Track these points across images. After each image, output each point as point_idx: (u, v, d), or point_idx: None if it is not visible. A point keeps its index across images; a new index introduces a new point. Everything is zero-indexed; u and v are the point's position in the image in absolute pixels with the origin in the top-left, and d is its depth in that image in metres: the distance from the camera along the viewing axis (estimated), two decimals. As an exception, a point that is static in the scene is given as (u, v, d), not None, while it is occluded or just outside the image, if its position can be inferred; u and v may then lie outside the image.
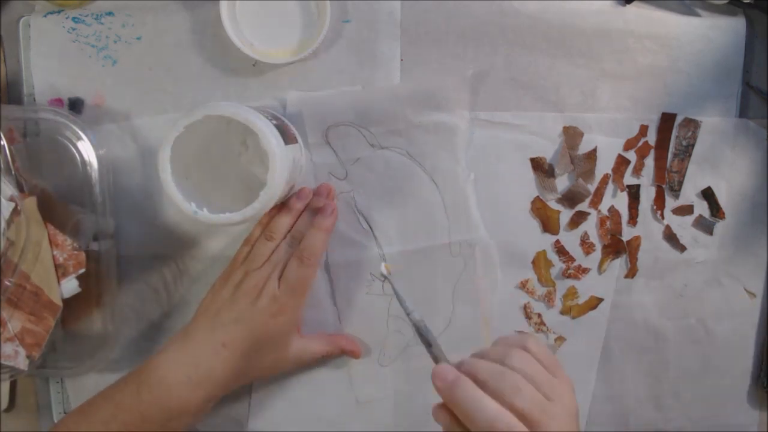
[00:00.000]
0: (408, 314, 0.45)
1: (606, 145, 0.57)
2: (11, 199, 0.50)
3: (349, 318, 0.58)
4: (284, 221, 0.54)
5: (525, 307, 0.58)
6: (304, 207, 0.55)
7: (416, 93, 0.56)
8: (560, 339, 0.58)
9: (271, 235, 0.53)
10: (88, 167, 0.54)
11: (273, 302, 0.50)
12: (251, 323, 0.50)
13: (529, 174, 0.57)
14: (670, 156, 0.58)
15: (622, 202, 0.58)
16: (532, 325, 0.58)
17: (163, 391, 0.48)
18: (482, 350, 0.42)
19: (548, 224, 0.58)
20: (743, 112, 0.58)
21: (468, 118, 0.56)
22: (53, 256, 0.52)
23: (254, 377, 0.53)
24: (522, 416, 0.37)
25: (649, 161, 0.58)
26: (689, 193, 0.58)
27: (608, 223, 0.58)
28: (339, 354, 0.57)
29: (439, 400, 0.40)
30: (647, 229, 0.58)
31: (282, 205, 0.54)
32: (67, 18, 0.56)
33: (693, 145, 0.57)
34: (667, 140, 0.57)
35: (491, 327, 0.58)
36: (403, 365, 0.58)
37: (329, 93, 0.56)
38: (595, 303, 0.58)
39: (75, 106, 0.57)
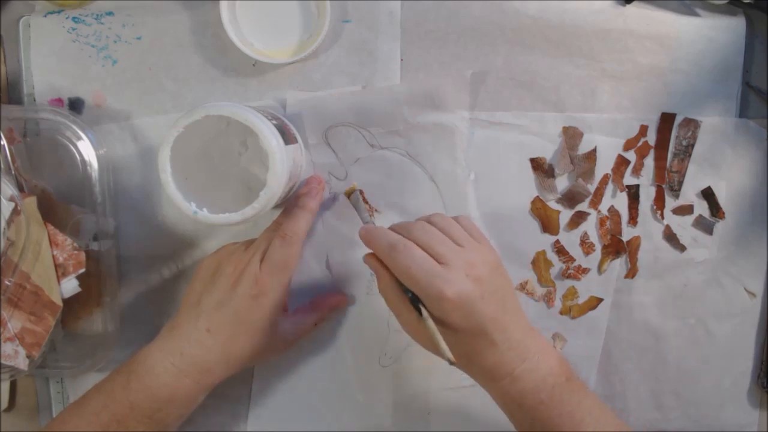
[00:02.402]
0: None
1: (606, 145, 0.57)
2: (11, 199, 0.50)
3: (350, 318, 0.58)
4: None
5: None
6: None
7: (415, 93, 0.56)
8: (561, 339, 0.58)
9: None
10: (88, 167, 0.54)
11: (254, 284, 0.48)
12: (233, 307, 0.49)
13: (529, 174, 0.57)
14: (669, 156, 0.58)
15: (621, 202, 0.58)
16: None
17: (151, 380, 0.48)
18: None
19: (548, 224, 0.58)
20: (743, 112, 0.58)
21: (467, 119, 0.56)
22: (53, 256, 0.52)
23: (244, 363, 0.51)
24: (427, 247, 0.45)
25: (649, 161, 0.58)
26: (689, 193, 0.58)
27: (608, 223, 0.58)
28: (330, 313, 0.57)
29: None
30: (647, 229, 0.58)
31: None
32: (67, 18, 0.56)
33: (693, 145, 0.57)
34: (667, 140, 0.57)
35: None
36: (404, 365, 0.58)
37: (329, 93, 0.56)
38: (594, 303, 0.58)
39: (75, 106, 0.57)
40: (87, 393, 0.50)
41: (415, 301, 0.45)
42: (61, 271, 0.52)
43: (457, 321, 0.44)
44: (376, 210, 0.57)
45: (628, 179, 0.58)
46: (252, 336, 0.50)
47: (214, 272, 0.51)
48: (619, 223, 0.58)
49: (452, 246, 0.45)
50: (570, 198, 0.57)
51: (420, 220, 0.48)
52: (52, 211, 0.53)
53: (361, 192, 0.56)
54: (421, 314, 0.44)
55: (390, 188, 0.57)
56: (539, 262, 0.58)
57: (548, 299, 0.58)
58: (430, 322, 0.44)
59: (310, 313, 0.55)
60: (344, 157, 0.57)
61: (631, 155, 0.57)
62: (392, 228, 0.48)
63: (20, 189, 0.52)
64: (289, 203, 0.53)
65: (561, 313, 0.58)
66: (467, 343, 0.45)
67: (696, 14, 0.56)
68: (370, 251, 0.48)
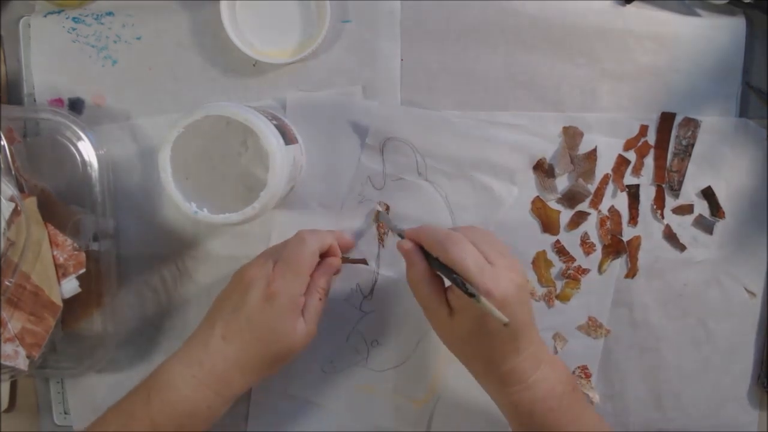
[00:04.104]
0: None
1: (606, 145, 0.57)
2: (11, 199, 0.50)
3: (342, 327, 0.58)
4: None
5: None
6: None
7: (483, 153, 0.56)
8: (561, 339, 0.58)
9: None
10: (88, 167, 0.54)
11: (267, 286, 0.47)
12: (246, 312, 0.47)
13: (529, 174, 0.57)
14: (669, 155, 0.58)
15: (622, 202, 0.58)
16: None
17: (172, 394, 0.46)
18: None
19: (548, 224, 0.58)
20: (743, 112, 0.58)
21: (515, 195, 0.57)
22: (53, 256, 0.52)
23: (263, 371, 0.49)
24: (477, 245, 0.45)
25: (649, 161, 0.58)
26: (689, 193, 0.58)
27: (608, 223, 0.58)
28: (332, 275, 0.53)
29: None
30: (647, 229, 0.58)
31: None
32: (67, 18, 0.56)
33: (693, 145, 0.57)
34: (667, 140, 0.57)
35: None
36: (345, 381, 0.58)
37: (406, 108, 0.56)
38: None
39: (75, 106, 0.57)
40: (105, 415, 0.48)
41: (463, 284, 0.44)
42: (61, 271, 0.52)
43: (494, 321, 0.44)
44: (390, 230, 0.57)
45: (628, 179, 0.58)
46: (266, 342, 0.48)
47: (237, 282, 0.50)
48: (620, 223, 0.58)
49: (498, 247, 0.47)
50: (570, 198, 0.57)
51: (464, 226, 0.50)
52: (52, 211, 0.53)
53: (387, 208, 0.57)
54: (471, 295, 0.43)
55: (415, 220, 0.57)
56: (539, 262, 0.58)
57: (548, 299, 0.58)
58: (484, 300, 0.43)
59: (314, 295, 0.50)
60: (389, 171, 0.57)
61: (631, 155, 0.57)
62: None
63: (20, 189, 0.52)
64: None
65: (558, 297, 0.58)
66: (492, 346, 0.46)
67: (696, 14, 0.56)
68: (405, 240, 0.48)
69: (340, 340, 0.58)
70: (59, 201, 0.54)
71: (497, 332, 0.45)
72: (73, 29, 0.56)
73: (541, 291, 0.58)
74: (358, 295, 0.58)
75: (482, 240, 0.46)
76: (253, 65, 0.56)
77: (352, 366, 0.58)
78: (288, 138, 0.50)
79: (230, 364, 0.47)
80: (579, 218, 0.57)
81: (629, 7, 0.56)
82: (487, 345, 0.46)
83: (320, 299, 0.50)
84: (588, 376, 0.58)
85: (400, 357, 0.58)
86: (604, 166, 0.57)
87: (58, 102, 0.57)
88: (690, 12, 0.56)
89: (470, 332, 0.46)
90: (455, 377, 0.57)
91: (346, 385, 0.58)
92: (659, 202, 0.58)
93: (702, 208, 0.58)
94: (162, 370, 0.48)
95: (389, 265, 0.57)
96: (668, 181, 0.58)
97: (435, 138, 0.56)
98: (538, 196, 0.57)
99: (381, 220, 0.56)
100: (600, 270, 0.58)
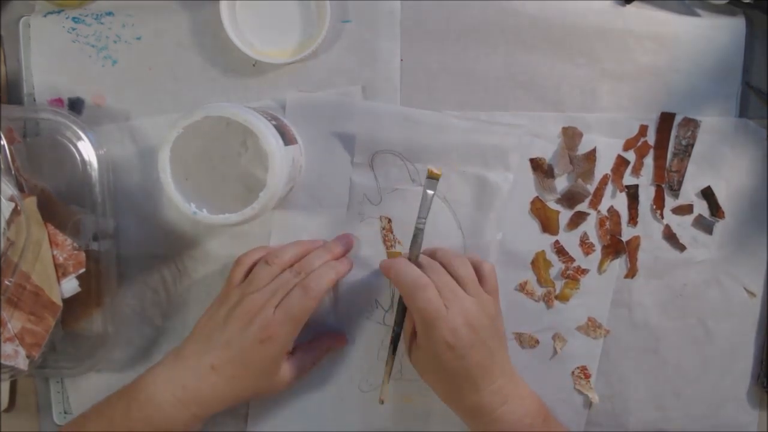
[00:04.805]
0: (418, 218, 0.52)
1: (605, 145, 0.57)
2: (11, 199, 0.50)
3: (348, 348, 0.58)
4: (290, 251, 0.53)
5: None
6: (314, 248, 0.54)
7: (469, 143, 0.56)
8: (561, 340, 0.58)
9: (273, 260, 0.52)
10: (88, 167, 0.54)
11: (264, 329, 0.49)
12: (241, 348, 0.49)
13: (529, 174, 0.57)
14: (669, 155, 0.58)
15: (621, 202, 0.58)
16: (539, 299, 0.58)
17: (152, 410, 0.49)
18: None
19: (547, 225, 0.58)
20: (743, 112, 0.58)
21: (511, 181, 0.57)
22: (53, 256, 0.52)
23: (244, 400, 0.52)
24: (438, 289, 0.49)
25: (649, 161, 0.58)
26: (689, 193, 0.58)
27: (608, 223, 0.58)
28: (326, 354, 0.57)
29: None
30: (647, 229, 0.58)
31: (294, 242, 0.55)
32: (67, 18, 0.56)
33: (692, 145, 0.57)
34: (667, 140, 0.57)
35: None
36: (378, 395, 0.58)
37: (388, 113, 0.56)
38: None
39: (75, 106, 0.57)
40: (87, 414, 0.50)
41: (395, 340, 0.53)
42: (61, 271, 0.52)
43: (448, 362, 0.48)
44: (398, 242, 0.57)
45: (628, 179, 0.58)
46: (255, 378, 0.51)
47: (228, 309, 0.51)
48: (619, 223, 0.58)
49: (458, 292, 0.49)
50: (569, 198, 0.57)
51: (440, 259, 0.52)
52: (52, 211, 0.53)
53: (389, 221, 0.57)
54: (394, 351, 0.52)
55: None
56: (539, 263, 0.58)
57: (548, 299, 0.58)
58: (389, 366, 0.52)
59: (309, 354, 0.55)
60: (383, 184, 0.57)
61: (630, 155, 0.57)
62: (410, 257, 0.52)
63: (20, 189, 0.52)
64: (318, 252, 0.54)
65: (558, 297, 0.58)
66: (453, 383, 0.50)
67: (696, 14, 0.56)
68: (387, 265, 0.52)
69: (371, 357, 0.58)
70: (59, 201, 0.55)
71: (452, 369, 0.49)
72: (73, 29, 0.56)
73: (540, 291, 0.58)
74: (379, 311, 0.58)
75: (448, 280, 0.50)
76: (253, 65, 0.56)
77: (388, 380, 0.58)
78: (287, 138, 0.50)
79: (215, 393, 0.50)
80: (578, 218, 0.57)
81: (629, 7, 0.56)
82: (447, 380, 0.50)
83: (313, 363, 0.56)
84: (588, 376, 0.58)
85: None
86: (604, 166, 0.57)
87: (58, 102, 0.57)
88: (690, 12, 0.56)
89: (430, 366, 0.50)
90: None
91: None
92: (659, 202, 0.58)
93: (702, 208, 0.58)
94: (144, 383, 0.50)
95: None
96: (668, 181, 0.58)
97: (419, 142, 0.56)
98: (537, 197, 0.57)
99: (425, 188, 0.53)
100: (599, 270, 0.58)
